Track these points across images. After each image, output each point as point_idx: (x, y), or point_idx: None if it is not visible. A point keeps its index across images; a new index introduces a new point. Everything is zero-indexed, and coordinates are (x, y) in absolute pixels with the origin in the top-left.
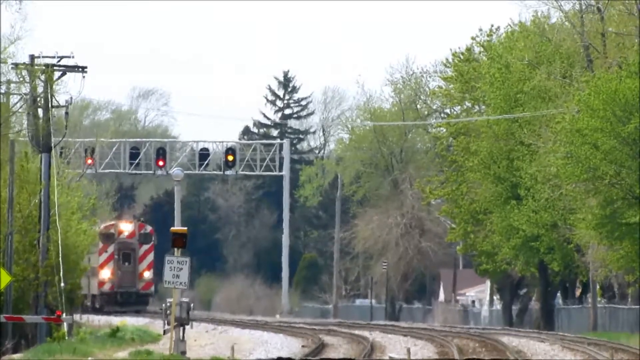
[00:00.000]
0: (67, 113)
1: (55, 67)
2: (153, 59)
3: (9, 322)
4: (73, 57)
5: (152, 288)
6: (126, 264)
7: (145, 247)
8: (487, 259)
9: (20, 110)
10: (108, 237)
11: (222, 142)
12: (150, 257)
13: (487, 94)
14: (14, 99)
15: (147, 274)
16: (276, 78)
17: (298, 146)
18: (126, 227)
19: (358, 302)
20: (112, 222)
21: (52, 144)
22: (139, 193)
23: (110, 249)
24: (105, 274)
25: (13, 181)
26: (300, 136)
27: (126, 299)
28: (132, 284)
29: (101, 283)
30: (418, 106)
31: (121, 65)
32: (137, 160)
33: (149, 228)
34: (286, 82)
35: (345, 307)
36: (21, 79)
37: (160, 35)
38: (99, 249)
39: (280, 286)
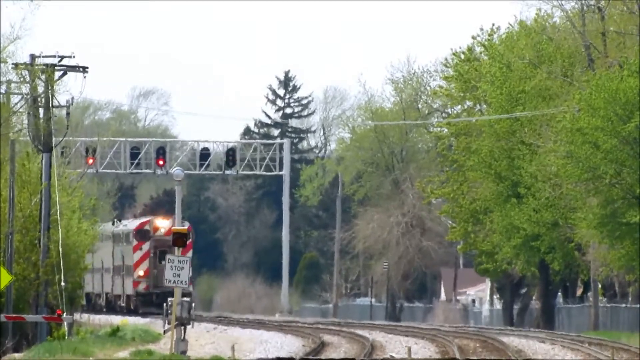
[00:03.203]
0: (68, 113)
1: (56, 67)
2: (153, 59)
3: (10, 322)
4: (74, 57)
5: (191, 287)
6: (163, 262)
7: None
8: (488, 259)
9: (20, 110)
10: (143, 234)
11: (223, 142)
12: (189, 255)
13: (488, 93)
14: (14, 98)
15: None
16: (277, 77)
17: (299, 146)
18: (163, 223)
19: (358, 301)
20: (147, 219)
21: (53, 144)
22: (139, 192)
23: (146, 246)
24: (140, 273)
25: (14, 181)
26: (301, 135)
27: (163, 299)
28: None
29: (136, 283)
30: (419, 106)
31: (121, 65)
32: (138, 159)
33: (187, 224)
34: (287, 82)
35: (346, 307)
36: (22, 79)
37: (161, 35)
38: (133, 246)
39: (281, 285)
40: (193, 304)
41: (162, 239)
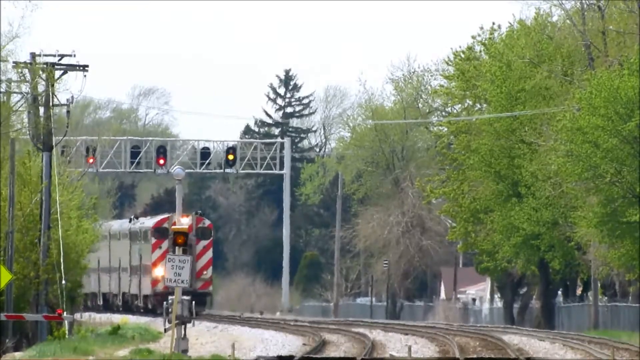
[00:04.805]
0: (68, 112)
1: (56, 66)
2: (154, 58)
3: (10, 321)
4: (74, 55)
5: (211, 287)
6: None
7: (204, 242)
8: (488, 258)
9: (21, 108)
10: (162, 232)
11: (223, 141)
12: (209, 253)
13: (488, 92)
14: (14, 97)
15: (206, 273)
16: (278, 77)
17: (299, 144)
18: (182, 220)
19: (359, 300)
20: (166, 216)
21: (53, 143)
22: (140, 192)
23: (165, 245)
24: (159, 272)
25: (14, 180)
26: (302, 135)
27: None
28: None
29: (154, 282)
30: (419, 105)
31: (122, 63)
32: (138, 158)
33: (207, 222)
34: (288, 81)
35: (346, 306)
36: (22, 78)
37: (162, 34)
38: (152, 244)
39: (281, 284)
40: (193, 303)
41: None
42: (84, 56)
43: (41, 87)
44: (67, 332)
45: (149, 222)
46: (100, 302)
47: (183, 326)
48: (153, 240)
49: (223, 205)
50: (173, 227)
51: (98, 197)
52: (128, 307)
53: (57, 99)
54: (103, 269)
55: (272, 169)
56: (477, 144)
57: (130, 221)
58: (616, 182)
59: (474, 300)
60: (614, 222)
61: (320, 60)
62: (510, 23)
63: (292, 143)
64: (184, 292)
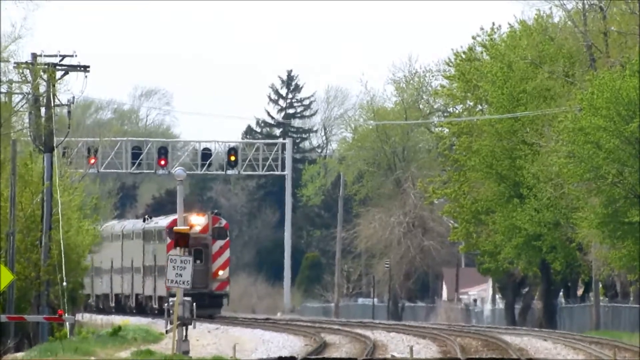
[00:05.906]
0: (69, 112)
1: (57, 66)
2: (155, 58)
3: (11, 322)
4: (75, 56)
5: (228, 288)
6: (197, 262)
7: (220, 242)
8: (490, 258)
9: (22, 109)
10: None
11: (225, 142)
12: (226, 254)
13: (490, 93)
14: (15, 98)
15: (222, 273)
16: (279, 77)
17: (300, 145)
18: (198, 220)
19: (360, 301)
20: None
21: (55, 144)
22: (141, 192)
23: None
24: None
25: (15, 181)
26: (303, 135)
27: (198, 300)
28: (204, 284)
29: None
30: (421, 105)
31: (123, 64)
32: (139, 159)
33: (223, 222)
34: (289, 81)
35: (347, 306)
36: (23, 78)
37: (163, 34)
38: (167, 245)
39: (283, 285)
40: (194, 304)
41: (197, 237)
42: (85, 57)
43: (42, 88)
44: (68, 333)
45: (163, 221)
46: (113, 304)
47: (184, 328)
48: (168, 240)
49: (224, 207)
50: (174, 228)
51: (99, 198)
52: (142, 308)
53: (58, 100)
54: (115, 269)
55: (273, 170)
56: (478, 145)
57: (144, 221)
58: (618, 183)
59: (475, 301)
60: (616, 223)
61: (320, 60)
62: (510, 24)
63: (293, 144)
64: (202, 294)
